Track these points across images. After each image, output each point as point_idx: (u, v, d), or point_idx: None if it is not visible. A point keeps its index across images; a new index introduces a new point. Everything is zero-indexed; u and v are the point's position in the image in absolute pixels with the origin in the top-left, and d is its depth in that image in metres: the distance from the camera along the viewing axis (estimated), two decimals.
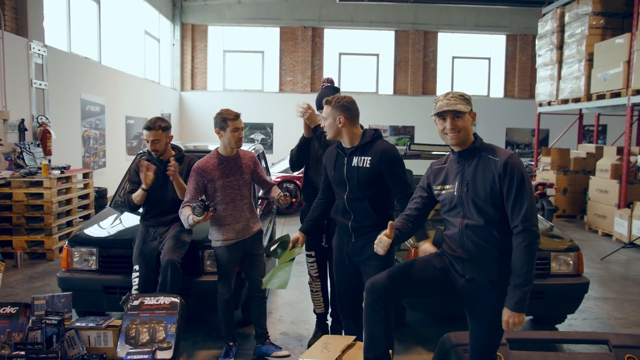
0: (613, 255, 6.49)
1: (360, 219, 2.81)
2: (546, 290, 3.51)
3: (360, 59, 16.05)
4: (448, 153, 2.46)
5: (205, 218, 2.98)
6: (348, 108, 2.81)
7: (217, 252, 3.32)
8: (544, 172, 9.68)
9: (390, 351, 2.59)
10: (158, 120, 3.47)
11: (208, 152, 5.48)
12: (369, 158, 2.77)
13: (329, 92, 3.40)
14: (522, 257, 2.15)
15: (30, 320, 2.99)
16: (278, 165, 10.66)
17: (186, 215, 3.11)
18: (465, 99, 2.30)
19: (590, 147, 9.89)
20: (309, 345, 3.46)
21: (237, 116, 3.23)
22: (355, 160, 2.81)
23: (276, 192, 3.44)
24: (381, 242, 2.30)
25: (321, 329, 3.60)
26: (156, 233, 3.49)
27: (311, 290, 3.57)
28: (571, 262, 3.62)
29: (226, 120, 3.20)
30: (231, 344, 3.38)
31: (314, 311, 3.64)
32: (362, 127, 2.95)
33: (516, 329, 2.23)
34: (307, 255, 3.52)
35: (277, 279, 2.98)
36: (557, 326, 4.04)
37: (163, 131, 3.44)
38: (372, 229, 2.73)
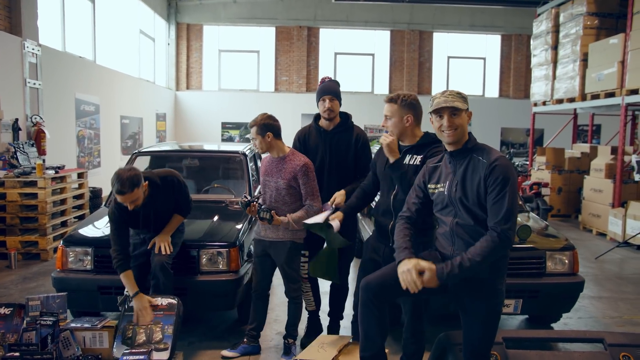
0: (607, 255, 6.53)
1: None
2: (542, 289, 3.52)
3: (356, 59, 16.06)
4: (443, 152, 2.46)
5: (250, 211, 3.12)
6: (415, 106, 2.75)
7: None
8: (539, 172, 9.72)
9: (387, 350, 2.59)
10: (127, 178, 3.01)
11: (203, 151, 5.54)
12: (421, 157, 2.72)
13: (334, 83, 3.41)
14: (483, 250, 2.14)
15: (25, 321, 2.98)
16: None
17: None
18: (462, 97, 2.31)
19: (585, 147, 9.94)
20: (302, 344, 3.46)
21: (251, 126, 3.23)
22: (407, 159, 2.76)
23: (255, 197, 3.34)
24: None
25: (313, 326, 3.59)
26: (147, 237, 3.47)
27: (302, 291, 3.53)
28: (566, 261, 3.64)
29: None
30: (290, 340, 3.37)
31: (306, 309, 3.63)
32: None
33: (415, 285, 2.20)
34: (302, 255, 3.46)
35: (324, 269, 3.15)
36: (553, 325, 4.06)
37: (138, 187, 3.06)
38: None
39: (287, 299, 3.42)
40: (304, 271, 3.49)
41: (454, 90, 2.34)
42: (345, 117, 3.47)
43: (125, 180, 3.00)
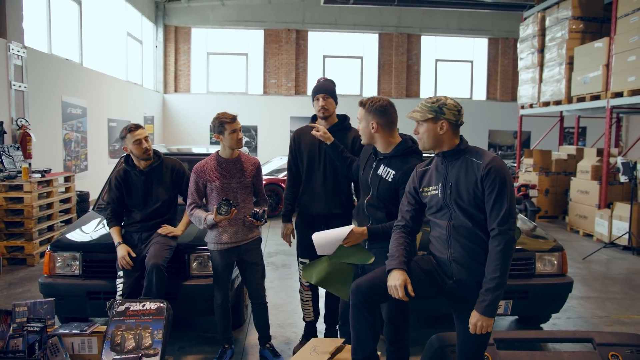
0: (594, 255, 6.61)
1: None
2: (531, 290, 3.55)
3: (345, 62, 16.12)
4: (433, 155, 2.47)
5: (231, 216, 3.05)
6: (383, 112, 2.63)
7: (211, 255, 3.31)
8: (527, 174, 9.82)
9: (379, 353, 2.59)
10: (133, 124, 3.48)
11: (191, 155, 5.50)
12: (393, 172, 2.62)
13: (329, 82, 3.33)
14: (495, 261, 2.15)
15: (12, 328, 2.91)
16: (263, 168, 10.63)
17: (201, 216, 3.16)
18: (430, 107, 2.29)
19: (571, 149, 10.06)
20: (294, 353, 3.43)
21: (233, 118, 3.17)
22: (381, 169, 2.69)
23: (261, 207, 3.29)
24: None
25: (308, 337, 3.55)
26: (139, 238, 3.45)
27: (301, 299, 3.50)
28: (555, 262, 3.67)
29: (224, 123, 3.15)
30: (226, 346, 3.36)
31: (303, 319, 3.57)
32: (407, 136, 2.76)
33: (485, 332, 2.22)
34: (302, 263, 3.37)
35: (336, 282, 2.70)
36: (542, 325, 4.09)
37: (143, 129, 3.47)
38: (385, 241, 2.62)
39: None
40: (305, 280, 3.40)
41: (432, 98, 2.34)
42: (343, 118, 3.40)
43: (131, 124, 3.42)
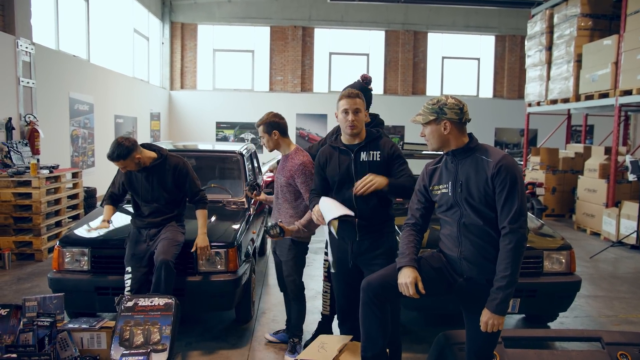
0: (601, 254, 6.57)
1: (368, 217, 2.74)
2: (539, 288, 3.54)
3: (351, 59, 16.07)
4: (442, 153, 2.47)
5: (252, 196, 3.43)
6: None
7: None
8: (534, 172, 9.77)
9: (387, 350, 2.59)
10: (116, 148, 3.31)
11: (200, 151, 5.50)
12: (379, 152, 2.76)
13: (355, 86, 3.30)
14: (506, 259, 2.15)
15: (22, 322, 2.95)
16: (268, 165, 10.63)
17: None
18: (431, 108, 2.31)
19: (579, 147, 10.00)
20: (305, 346, 3.45)
21: (258, 125, 3.33)
22: (363, 156, 2.77)
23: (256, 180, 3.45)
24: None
25: (323, 332, 3.55)
26: (148, 234, 3.47)
27: (323, 289, 3.58)
28: (564, 260, 3.66)
29: None
30: (296, 340, 3.39)
31: (321, 312, 3.60)
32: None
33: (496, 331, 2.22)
34: (324, 252, 3.43)
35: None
36: (549, 324, 4.08)
37: (124, 159, 3.32)
38: (378, 227, 2.73)
39: (281, 300, 3.43)
40: (324, 270, 3.50)
41: (433, 99, 2.34)
42: (373, 116, 3.38)
43: (115, 148, 3.32)
